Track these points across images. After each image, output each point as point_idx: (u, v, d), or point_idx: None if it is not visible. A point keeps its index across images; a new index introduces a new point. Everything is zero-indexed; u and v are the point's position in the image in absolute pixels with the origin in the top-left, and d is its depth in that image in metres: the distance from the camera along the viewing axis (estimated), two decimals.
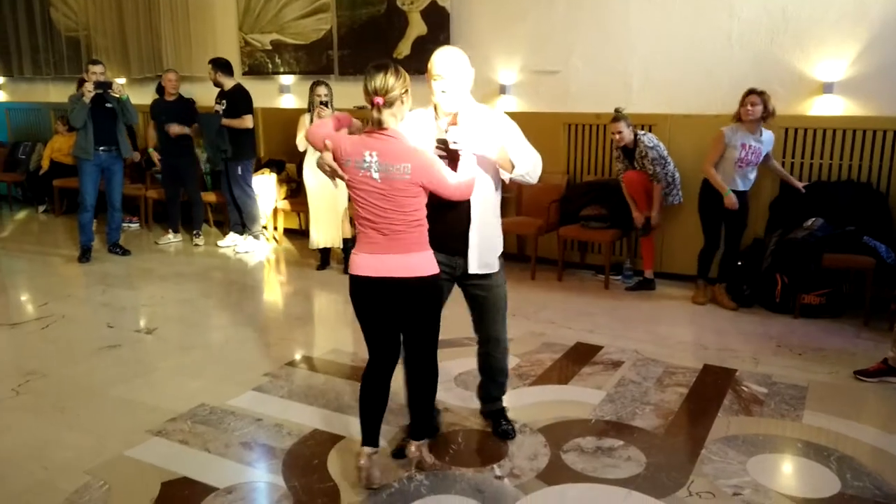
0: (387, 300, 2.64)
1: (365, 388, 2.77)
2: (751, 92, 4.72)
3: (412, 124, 2.75)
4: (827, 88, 5.00)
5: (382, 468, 2.83)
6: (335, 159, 2.60)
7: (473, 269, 2.82)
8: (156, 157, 6.92)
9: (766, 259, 4.96)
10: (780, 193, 5.18)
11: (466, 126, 2.66)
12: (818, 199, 4.95)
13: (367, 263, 2.60)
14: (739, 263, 5.08)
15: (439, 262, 2.70)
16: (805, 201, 4.97)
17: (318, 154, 2.68)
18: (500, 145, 2.72)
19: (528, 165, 2.77)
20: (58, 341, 4.42)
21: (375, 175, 2.51)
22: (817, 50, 5.01)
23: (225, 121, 6.36)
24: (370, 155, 2.51)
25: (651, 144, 5.08)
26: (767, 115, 4.72)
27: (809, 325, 4.66)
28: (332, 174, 2.63)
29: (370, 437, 2.77)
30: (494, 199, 2.86)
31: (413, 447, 2.84)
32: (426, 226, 2.62)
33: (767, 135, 4.84)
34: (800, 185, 5.01)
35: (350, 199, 2.67)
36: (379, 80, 2.48)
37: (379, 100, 2.48)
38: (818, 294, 4.77)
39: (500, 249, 2.94)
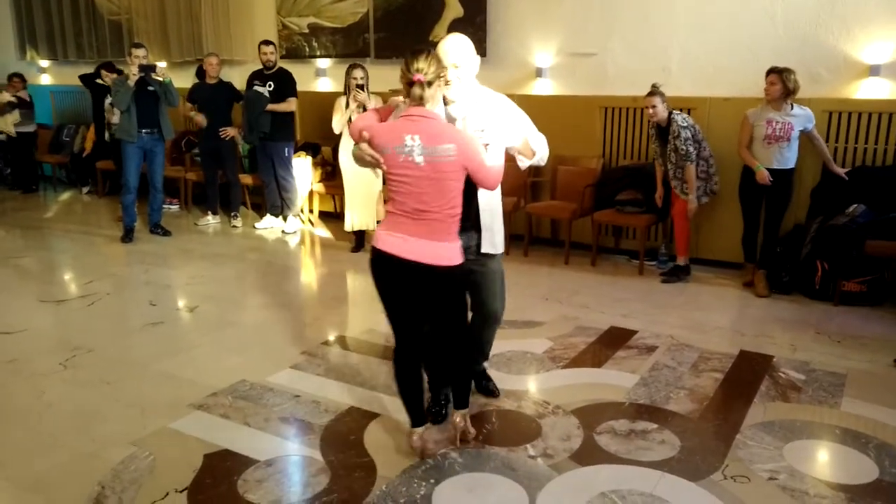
0: (412, 284, 2.65)
1: (398, 372, 2.82)
2: (770, 71, 4.73)
3: None
4: (873, 71, 4.88)
5: (434, 441, 2.92)
6: (373, 148, 2.60)
7: (486, 248, 2.90)
8: (200, 118, 6.77)
9: (805, 245, 4.88)
10: (822, 180, 5.08)
11: (488, 115, 2.73)
12: (861, 185, 4.85)
13: (393, 242, 2.59)
14: (778, 250, 5.00)
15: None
16: (847, 187, 4.88)
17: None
18: (522, 135, 2.83)
19: (545, 150, 2.93)
20: (102, 318, 4.56)
21: (419, 159, 2.48)
22: (864, 31, 4.88)
23: (271, 106, 6.48)
24: (412, 139, 2.48)
25: (685, 124, 5.01)
26: (789, 93, 4.69)
27: (849, 312, 4.58)
28: (374, 163, 2.62)
29: (416, 418, 2.83)
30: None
31: (458, 417, 2.90)
32: (460, 217, 2.63)
33: (800, 110, 4.78)
34: (841, 171, 4.91)
35: (385, 182, 2.67)
36: (422, 62, 2.51)
37: (420, 77, 2.50)
38: (859, 281, 4.68)
39: (503, 232, 3.02)
